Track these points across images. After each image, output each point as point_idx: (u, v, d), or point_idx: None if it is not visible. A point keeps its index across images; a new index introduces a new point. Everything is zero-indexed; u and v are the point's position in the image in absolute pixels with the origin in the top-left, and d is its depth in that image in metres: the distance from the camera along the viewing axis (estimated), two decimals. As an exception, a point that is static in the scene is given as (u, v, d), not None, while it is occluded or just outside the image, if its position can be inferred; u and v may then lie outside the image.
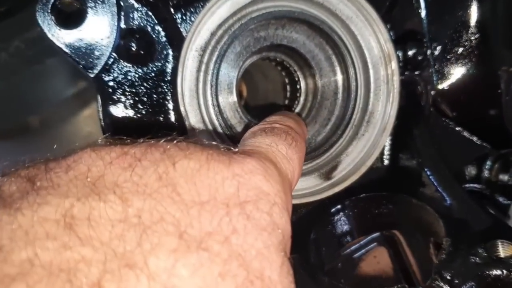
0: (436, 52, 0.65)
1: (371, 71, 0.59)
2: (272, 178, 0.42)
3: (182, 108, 0.53)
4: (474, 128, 0.66)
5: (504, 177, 0.61)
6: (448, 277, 0.47)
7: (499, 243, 0.49)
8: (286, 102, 0.67)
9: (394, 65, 0.58)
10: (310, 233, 0.57)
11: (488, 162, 0.63)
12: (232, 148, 0.44)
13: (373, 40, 0.58)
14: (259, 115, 0.74)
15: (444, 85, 0.65)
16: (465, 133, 0.65)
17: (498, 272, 0.48)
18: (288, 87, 0.67)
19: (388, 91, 0.58)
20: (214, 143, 0.44)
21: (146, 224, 0.35)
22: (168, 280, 0.33)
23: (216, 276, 0.35)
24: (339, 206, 0.58)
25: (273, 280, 0.37)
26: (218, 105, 0.56)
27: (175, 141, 0.41)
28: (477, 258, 0.49)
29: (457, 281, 0.47)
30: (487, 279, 0.48)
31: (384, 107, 0.59)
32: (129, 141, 0.42)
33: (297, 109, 0.64)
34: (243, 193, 0.40)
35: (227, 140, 0.56)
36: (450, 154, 0.64)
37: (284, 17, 0.58)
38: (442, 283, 0.47)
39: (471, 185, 0.65)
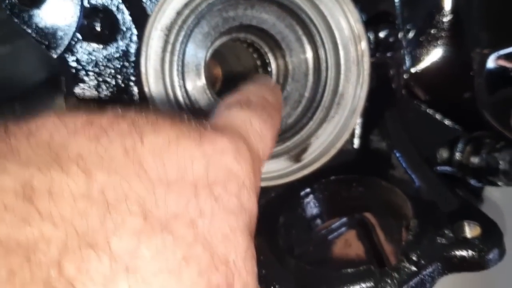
0: (409, 35, 0.65)
1: (341, 52, 0.58)
2: (243, 158, 0.42)
3: (146, 89, 0.51)
4: (446, 111, 0.66)
5: (475, 160, 0.61)
6: (414, 258, 0.47)
7: (466, 224, 0.49)
8: (259, 84, 0.66)
9: (364, 45, 0.57)
10: (279, 216, 0.57)
11: (460, 145, 0.63)
12: (204, 122, 0.42)
13: (343, 20, 0.57)
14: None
15: (416, 68, 0.65)
16: (437, 116, 0.64)
17: (464, 252, 0.48)
18: (260, 70, 0.66)
19: (359, 73, 0.58)
20: (186, 116, 0.42)
21: (110, 201, 0.34)
22: (130, 261, 0.32)
23: (179, 260, 0.34)
24: (308, 189, 0.58)
25: (237, 265, 0.37)
26: (185, 87, 0.55)
27: (144, 113, 0.40)
28: (444, 239, 0.49)
29: (423, 262, 0.47)
30: (453, 259, 0.48)
31: (354, 89, 0.58)
32: (95, 109, 0.40)
33: (269, 91, 0.63)
34: (212, 174, 0.39)
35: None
36: (422, 137, 0.64)
37: (253, -3, 0.57)
38: (408, 264, 0.47)
39: (443, 167, 0.65)
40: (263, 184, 0.58)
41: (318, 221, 0.59)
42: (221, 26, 0.58)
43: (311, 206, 0.58)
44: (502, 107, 0.69)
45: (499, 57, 0.66)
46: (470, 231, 0.48)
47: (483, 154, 0.60)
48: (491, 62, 0.66)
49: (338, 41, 0.58)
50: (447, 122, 0.65)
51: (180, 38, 0.54)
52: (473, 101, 0.67)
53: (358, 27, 0.57)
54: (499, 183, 0.61)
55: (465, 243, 0.48)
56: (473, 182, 0.64)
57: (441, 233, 0.49)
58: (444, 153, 0.65)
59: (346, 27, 0.57)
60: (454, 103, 0.67)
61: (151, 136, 0.38)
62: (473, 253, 0.47)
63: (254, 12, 0.58)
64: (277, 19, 0.59)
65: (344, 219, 0.64)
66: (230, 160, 0.40)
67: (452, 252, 0.47)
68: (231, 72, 0.80)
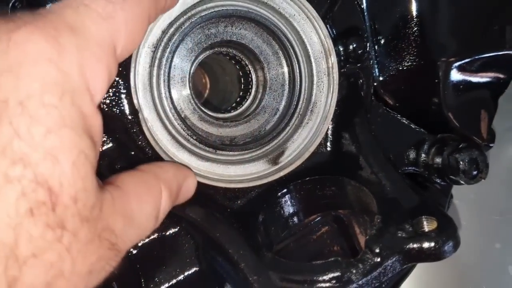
0: (378, 46, 0.70)
1: (313, 65, 0.63)
2: (64, 58, 0.38)
3: (135, 101, 0.57)
4: (412, 116, 0.71)
5: (438, 160, 0.67)
6: (377, 250, 0.53)
7: (424, 219, 0.55)
8: (241, 93, 0.71)
9: (333, 59, 0.63)
10: (258, 215, 0.62)
11: (425, 147, 0.69)
12: (21, 18, 0.38)
13: (314, 36, 0.63)
14: (218, 104, 0.79)
15: (385, 76, 0.70)
16: (404, 120, 0.70)
17: (421, 244, 0.53)
18: (242, 80, 0.71)
19: (329, 83, 0.63)
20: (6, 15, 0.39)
21: None
22: None
23: (1, 181, 0.35)
24: (285, 189, 0.63)
25: (62, 184, 0.37)
26: (171, 98, 0.60)
27: None
28: (404, 233, 0.54)
29: (385, 254, 0.53)
30: (412, 251, 0.53)
31: (326, 97, 0.64)
32: None
33: (250, 99, 0.68)
34: (24, 88, 0.36)
35: (181, 130, 0.61)
36: (391, 139, 0.69)
37: (233, 16, 0.62)
38: (371, 256, 0.53)
39: (411, 168, 0.70)
40: (244, 185, 0.64)
41: (295, 219, 0.64)
42: (204, 42, 0.63)
43: (289, 205, 0.63)
44: (466, 111, 0.75)
45: (463, 65, 0.72)
46: (428, 225, 0.54)
47: (446, 155, 0.66)
48: (455, 70, 0.72)
49: (311, 55, 0.63)
50: (413, 126, 0.70)
51: (166, 54, 0.59)
52: (438, 106, 0.73)
53: (328, 42, 0.62)
54: (461, 182, 0.67)
55: (423, 236, 0.53)
56: (438, 181, 0.70)
57: (401, 228, 0.54)
58: (411, 154, 0.70)
59: (317, 42, 0.63)
60: (420, 108, 0.72)
61: None
62: (430, 245, 0.53)
63: (234, 29, 0.64)
64: (255, 35, 0.64)
65: (322, 217, 0.70)
66: (44, 67, 0.37)
67: (411, 245, 0.53)
68: (217, 81, 0.86)
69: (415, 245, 0.53)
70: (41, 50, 0.37)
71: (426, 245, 0.53)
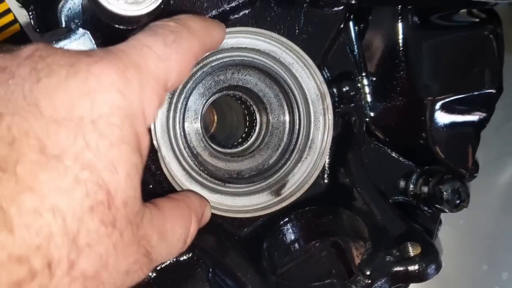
0: (369, 88, 0.78)
1: (311, 106, 0.71)
2: (129, 89, 0.46)
3: (154, 142, 0.65)
4: (402, 149, 0.79)
5: (425, 190, 0.74)
6: (368, 273, 0.60)
7: (409, 245, 0.62)
8: (246, 130, 0.79)
9: (328, 101, 0.71)
10: (263, 242, 0.69)
11: (413, 178, 0.76)
12: (97, 54, 0.46)
13: (311, 81, 0.71)
14: (225, 138, 0.87)
15: (376, 114, 0.78)
16: (394, 154, 0.77)
17: (407, 267, 0.60)
18: (247, 118, 0.79)
19: (325, 122, 0.71)
20: (79, 49, 0.48)
21: (15, 137, 0.41)
22: (31, 183, 0.41)
23: (70, 182, 0.42)
24: (287, 218, 0.70)
25: (118, 189, 0.44)
26: (185, 137, 0.68)
27: (44, 53, 0.44)
28: (392, 257, 0.61)
29: (375, 276, 0.60)
30: (398, 273, 0.60)
31: (322, 135, 0.71)
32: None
33: (254, 136, 0.76)
34: (97, 109, 0.44)
35: (194, 166, 0.68)
36: (382, 171, 0.77)
37: (239, 64, 0.70)
38: (363, 278, 0.60)
39: (401, 197, 0.78)
40: (250, 215, 0.71)
41: (297, 245, 0.71)
42: (214, 87, 0.71)
43: (290, 233, 0.70)
44: (451, 145, 0.82)
45: (447, 103, 0.80)
46: (413, 250, 0.61)
47: (431, 185, 0.73)
48: (440, 108, 0.79)
49: (308, 98, 0.71)
50: (402, 159, 0.78)
51: (181, 99, 0.67)
52: (425, 141, 0.80)
53: (323, 87, 0.70)
54: (445, 210, 0.74)
55: (409, 260, 0.60)
56: (426, 209, 0.77)
57: (390, 253, 0.61)
58: (401, 185, 0.77)
59: (314, 87, 0.71)
60: (409, 143, 0.80)
61: (45, 78, 0.43)
62: (415, 268, 0.60)
63: (240, 75, 0.72)
64: (258, 80, 0.72)
65: (323, 244, 0.77)
66: (114, 93, 0.45)
67: (398, 268, 0.60)
68: (225, 117, 0.94)
69: (401, 268, 0.60)
70: (112, 81, 0.45)
71: (411, 268, 0.60)
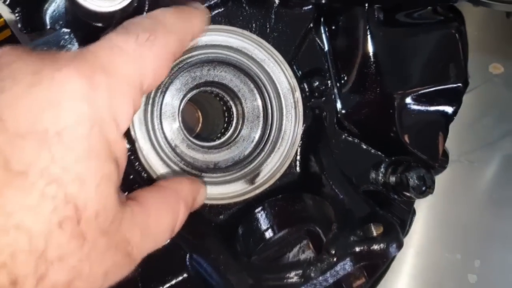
0: (340, 82, 0.83)
1: (282, 99, 0.76)
2: (96, 96, 0.44)
3: (132, 134, 0.69)
4: (373, 142, 0.83)
5: (393, 179, 0.78)
6: (333, 252, 0.63)
7: (372, 226, 0.65)
8: (225, 125, 0.83)
9: (297, 94, 0.75)
10: (238, 228, 0.73)
11: (382, 168, 0.80)
12: (63, 57, 0.45)
13: (282, 76, 0.75)
14: (208, 135, 0.91)
15: (347, 108, 0.82)
16: (363, 145, 0.81)
17: (369, 246, 0.64)
18: (225, 113, 0.83)
19: (296, 115, 0.75)
20: (44, 51, 0.47)
21: None
22: None
23: (38, 198, 0.42)
24: (261, 206, 0.74)
25: (87, 203, 0.44)
26: (163, 130, 0.72)
27: (5, 58, 0.43)
28: (356, 237, 0.65)
29: (339, 254, 0.63)
30: (362, 252, 0.64)
31: (293, 127, 0.75)
32: None
33: (231, 130, 0.80)
34: (62, 120, 0.42)
35: (172, 157, 0.72)
36: (353, 162, 0.80)
37: (214, 61, 0.75)
38: (328, 256, 0.63)
39: (371, 186, 0.81)
40: (226, 201, 0.75)
41: (270, 231, 0.75)
42: (190, 83, 0.76)
43: (264, 219, 0.74)
44: (420, 137, 0.86)
45: (415, 97, 0.84)
46: (376, 230, 0.65)
47: (398, 174, 0.77)
48: (408, 101, 0.84)
49: (280, 91, 0.75)
50: (372, 150, 0.82)
51: (158, 94, 0.71)
52: (395, 134, 0.84)
53: (293, 81, 0.75)
54: (412, 197, 0.78)
55: (371, 240, 0.64)
56: (395, 197, 0.81)
57: (354, 233, 0.65)
58: (372, 174, 0.81)
59: (285, 81, 0.75)
60: (380, 135, 0.83)
61: (8, 90, 0.42)
62: (377, 246, 0.63)
63: (216, 71, 0.76)
64: (233, 76, 0.77)
65: (294, 230, 0.80)
66: (78, 103, 0.43)
67: (361, 247, 0.64)
68: (208, 115, 0.98)
69: (364, 247, 0.64)
70: (77, 88, 0.44)
71: (373, 246, 0.63)
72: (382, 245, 0.63)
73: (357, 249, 0.63)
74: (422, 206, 0.94)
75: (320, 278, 0.62)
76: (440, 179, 0.88)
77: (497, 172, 0.99)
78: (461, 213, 0.96)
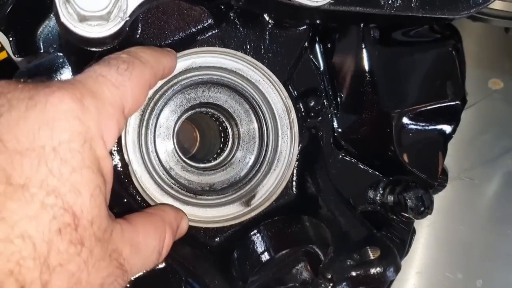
0: (337, 102, 0.82)
1: (278, 120, 0.75)
2: (86, 115, 0.49)
3: (126, 157, 0.68)
4: (371, 161, 0.82)
5: (391, 199, 0.77)
6: (329, 276, 0.62)
7: (369, 249, 0.64)
8: (221, 145, 0.83)
9: (293, 115, 0.74)
10: (233, 251, 0.72)
11: (380, 188, 0.79)
12: (54, 84, 0.49)
13: (277, 97, 0.75)
14: (205, 155, 0.90)
15: (343, 127, 0.81)
16: (360, 165, 0.80)
17: (366, 270, 0.62)
18: (221, 134, 0.83)
19: (291, 135, 0.75)
20: (38, 81, 0.51)
21: None
22: (0, 212, 0.44)
23: (38, 208, 0.45)
24: (257, 228, 0.73)
25: (83, 210, 0.48)
26: (157, 152, 0.72)
27: (1, 89, 0.48)
28: (352, 261, 0.64)
29: (336, 279, 0.62)
30: (358, 276, 0.62)
31: (289, 147, 0.75)
32: None
33: (227, 151, 0.80)
34: (57, 136, 0.47)
35: (166, 179, 0.72)
36: (350, 182, 0.80)
37: (209, 82, 0.74)
38: (324, 281, 0.62)
39: (369, 206, 0.80)
40: (221, 224, 0.74)
41: (267, 254, 0.74)
42: (185, 104, 0.75)
43: (260, 242, 0.73)
44: (418, 156, 0.85)
45: (412, 116, 0.83)
46: (373, 254, 0.63)
47: (396, 194, 0.76)
48: (406, 120, 0.83)
49: (275, 112, 0.75)
50: (370, 170, 0.81)
51: (152, 117, 0.71)
52: (393, 153, 0.83)
53: (288, 102, 0.74)
54: (410, 217, 0.77)
55: (369, 264, 0.63)
56: (394, 217, 0.79)
57: (350, 257, 0.64)
58: (370, 194, 0.80)
59: (280, 102, 0.75)
60: (377, 155, 0.83)
61: (6, 113, 0.47)
62: (374, 270, 0.62)
63: (210, 93, 0.76)
64: (228, 97, 0.76)
65: (291, 253, 0.79)
66: (72, 121, 0.48)
67: (358, 271, 0.62)
68: (204, 135, 0.98)
69: (361, 271, 0.62)
70: (70, 109, 0.49)
71: (370, 270, 0.62)
72: (379, 269, 0.62)
73: (354, 273, 0.62)
74: (423, 225, 0.93)
75: (316, 303, 0.61)
76: (441, 197, 0.87)
77: (498, 189, 0.98)
78: (462, 231, 0.95)
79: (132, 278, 0.71)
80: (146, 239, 0.57)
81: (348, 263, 0.63)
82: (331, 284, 0.62)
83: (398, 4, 0.69)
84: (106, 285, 0.51)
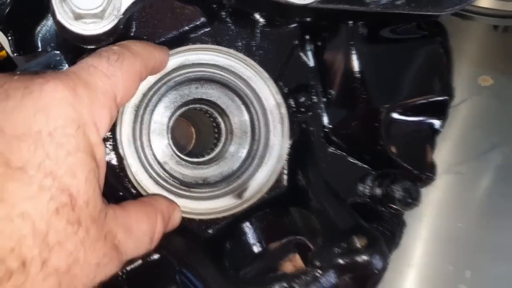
0: (326, 97, 0.84)
1: (269, 115, 0.77)
2: (79, 103, 0.52)
3: (121, 151, 0.71)
4: (358, 154, 0.84)
5: (379, 191, 0.79)
6: (318, 264, 0.64)
7: (356, 238, 0.66)
8: (215, 141, 0.85)
9: (284, 110, 0.77)
10: (226, 243, 0.74)
11: (369, 180, 0.81)
12: (50, 74, 0.52)
13: (268, 93, 0.77)
14: (201, 150, 0.92)
15: (333, 122, 0.83)
16: (350, 159, 0.83)
17: (353, 258, 0.65)
18: (215, 129, 0.85)
19: (282, 130, 0.77)
20: (32, 72, 0.53)
21: None
22: (0, 193, 0.47)
23: (36, 190, 0.48)
24: (249, 220, 0.75)
25: (79, 191, 0.50)
26: (151, 147, 0.74)
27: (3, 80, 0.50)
28: (340, 249, 0.66)
29: (324, 267, 0.64)
30: (345, 264, 0.65)
31: (280, 141, 0.77)
32: None
33: (220, 146, 0.82)
34: (52, 122, 0.49)
35: (161, 173, 0.74)
36: (340, 175, 0.82)
37: (201, 79, 0.77)
38: (312, 269, 0.64)
39: (359, 199, 0.82)
40: (214, 216, 0.76)
41: (259, 245, 0.76)
42: (179, 100, 0.78)
43: (252, 233, 0.75)
44: (407, 150, 0.87)
45: (400, 110, 0.85)
46: (359, 242, 0.66)
47: (384, 186, 0.78)
48: (394, 115, 0.85)
49: (266, 108, 0.77)
50: (359, 163, 0.83)
51: (147, 112, 0.73)
52: (382, 147, 0.85)
53: (278, 97, 0.77)
54: (399, 209, 0.79)
55: (355, 251, 0.65)
56: (383, 209, 0.81)
57: (338, 245, 0.66)
58: (358, 188, 0.82)
59: (270, 98, 0.77)
60: (367, 149, 0.85)
61: (3, 102, 0.49)
62: (360, 258, 0.64)
63: (203, 89, 0.78)
64: (221, 93, 0.79)
65: (287, 243, 0.81)
66: (65, 108, 0.50)
67: (345, 259, 0.65)
68: (200, 131, 1.00)
69: (348, 259, 0.64)
70: (63, 97, 0.51)
71: (357, 258, 0.64)
72: (365, 257, 0.64)
73: (341, 261, 0.64)
74: (414, 218, 0.95)
75: (305, 290, 0.63)
76: (431, 191, 0.89)
77: (487, 183, 1.00)
78: (453, 224, 0.97)
79: (128, 269, 0.74)
80: (138, 223, 0.60)
81: (336, 251, 0.65)
82: (319, 272, 0.64)
83: (384, 2, 0.72)
84: (102, 265, 0.53)
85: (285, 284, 0.63)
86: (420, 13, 0.75)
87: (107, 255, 0.54)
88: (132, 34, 0.71)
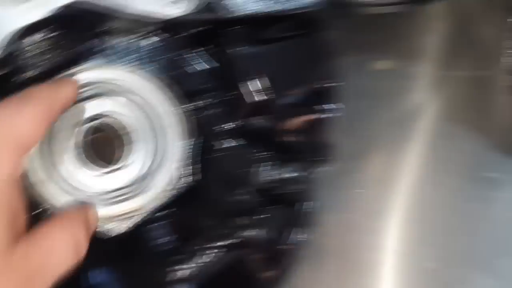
0: (221, 98, 0.91)
1: (166, 120, 0.84)
2: None
3: (31, 168, 0.77)
4: (256, 145, 0.91)
5: (276, 176, 0.87)
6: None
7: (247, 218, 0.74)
8: (119, 150, 0.89)
9: (180, 114, 0.84)
10: (138, 241, 0.81)
11: (268, 167, 0.89)
12: None
13: (164, 99, 0.84)
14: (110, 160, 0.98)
15: (230, 119, 0.90)
16: (248, 149, 0.89)
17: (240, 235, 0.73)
18: (117, 139, 0.89)
19: (179, 132, 0.84)
20: None
21: None
22: None
23: None
24: (156, 221, 0.82)
25: None
26: (60, 161, 0.80)
27: None
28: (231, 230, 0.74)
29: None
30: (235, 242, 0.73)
31: (178, 143, 0.84)
32: None
33: (124, 153, 0.86)
34: None
35: (70, 185, 0.80)
36: (240, 166, 0.89)
37: (95, 96, 0.82)
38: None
39: (258, 186, 0.89)
40: (123, 217, 0.82)
41: (166, 245, 0.82)
42: (80, 116, 0.83)
43: (161, 233, 0.82)
44: (304, 137, 0.95)
45: (293, 99, 0.93)
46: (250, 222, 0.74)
47: (280, 171, 0.86)
48: (289, 104, 0.93)
49: (163, 113, 0.84)
50: (258, 154, 0.90)
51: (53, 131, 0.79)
52: (277, 134, 0.93)
53: (175, 102, 0.85)
54: (297, 190, 0.87)
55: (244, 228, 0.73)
56: (280, 193, 0.89)
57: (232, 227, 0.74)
58: (258, 174, 0.89)
59: (167, 103, 0.84)
60: (262, 138, 0.92)
61: None
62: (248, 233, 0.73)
63: (98, 104, 0.83)
64: (119, 106, 0.84)
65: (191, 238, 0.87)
66: None
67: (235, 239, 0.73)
68: (107, 143, 1.03)
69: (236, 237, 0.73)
70: None
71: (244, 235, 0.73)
72: (254, 233, 0.72)
73: (231, 240, 0.72)
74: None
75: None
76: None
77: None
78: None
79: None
80: (53, 245, 0.62)
81: (226, 232, 0.73)
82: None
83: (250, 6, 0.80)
84: None
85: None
86: (295, 10, 0.84)
87: (21, 285, 0.55)
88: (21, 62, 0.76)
